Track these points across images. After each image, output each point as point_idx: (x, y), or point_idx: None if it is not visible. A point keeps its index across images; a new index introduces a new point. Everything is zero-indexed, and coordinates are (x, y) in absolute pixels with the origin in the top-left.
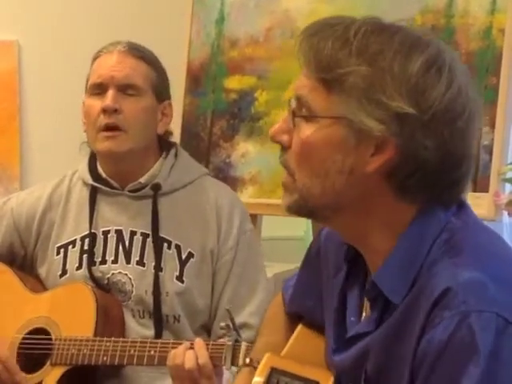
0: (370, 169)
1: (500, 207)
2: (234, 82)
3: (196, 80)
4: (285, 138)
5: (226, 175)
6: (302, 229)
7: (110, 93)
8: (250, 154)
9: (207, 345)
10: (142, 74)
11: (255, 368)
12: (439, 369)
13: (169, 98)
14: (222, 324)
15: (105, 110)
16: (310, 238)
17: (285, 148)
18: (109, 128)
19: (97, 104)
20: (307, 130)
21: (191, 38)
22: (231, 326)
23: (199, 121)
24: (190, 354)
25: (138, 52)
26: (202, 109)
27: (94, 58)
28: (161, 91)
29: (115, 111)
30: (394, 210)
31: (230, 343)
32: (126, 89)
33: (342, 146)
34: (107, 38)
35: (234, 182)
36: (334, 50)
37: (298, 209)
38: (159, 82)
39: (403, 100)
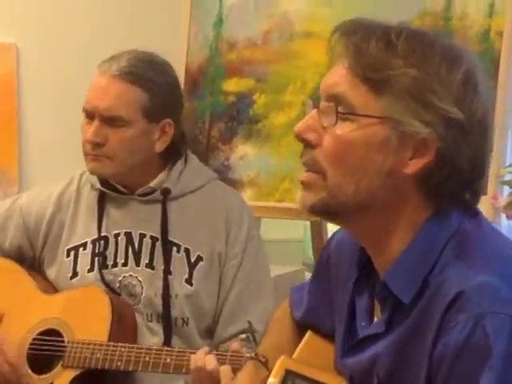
0: (407, 171)
1: (498, 210)
2: (232, 85)
3: (194, 83)
4: (313, 135)
5: (224, 178)
6: (300, 231)
7: (94, 125)
8: (248, 157)
9: (225, 355)
10: (129, 103)
11: (260, 362)
12: (457, 372)
13: (170, 115)
14: (243, 336)
15: (88, 142)
16: (309, 241)
17: (311, 146)
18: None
19: (86, 130)
20: (347, 128)
21: (189, 41)
22: (251, 338)
23: (197, 124)
24: (211, 357)
25: (129, 76)
26: (200, 111)
27: (97, 69)
28: (156, 113)
29: (97, 144)
30: (416, 211)
31: (249, 355)
32: (111, 120)
33: (384, 147)
34: (105, 41)
35: (232, 185)
36: (380, 51)
37: (323, 208)
38: (154, 104)
39: (451, 105)
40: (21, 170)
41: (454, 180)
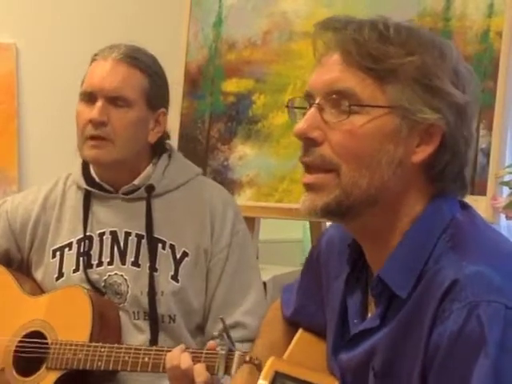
0: (415, 159)
1: (497, 210)
2: (231, 85)
3: (194, 83)
4: (317, 132)
5: (223, 178)
6: (299, 231)
7: (98, 104)
8: (247, 157)
9: (201, 353)
10: (133, 85)
11: (255, 365)
12: (452, 361)
13: (164, 105)
14: (215, 333)
15: (92, 122)
16: (308, 241)
17: (316, 144)
18: (95, 138)
19: (86, 112)
20: (357, 121)
21: (189, 41)
22: (225, 335)
23: (197, 124)
24: (185, 355)
25: (133, 60)
26: (199, 112)
27: (91, 61)
28: (155, 100)
29: (102, 123)
30: (415, 202)
31: (224, 352)
32: (114, 100)
33: (395, 136)
34: (104, 40)
35: (231, 185)
36: (377, 42)
37: (337, 207)
38: (153, 91)
39: (453, 89)
40: (20, 169)
41: (452, 165)
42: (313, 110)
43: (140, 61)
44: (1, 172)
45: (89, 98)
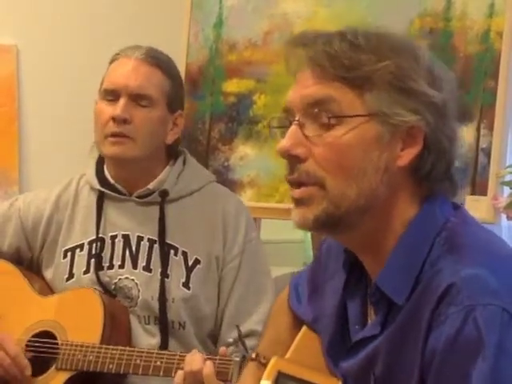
0: (400, 163)
1: (498, 210)
2: (232, 86)
3: (194, 83)
4: (301, 149)
5: (224, 179)
6: (300, 232)
7: (122, 102)
8: (248, 158)
9: (215, 359)
10: (156, 85)
11: (261, 363)
12: (449, 365)
13: (182, 107)
14: (230, 340)
15: (114, 119)
16: (309, 241)
17: (301, 161)
18: (117, 135)
19: (107, 110)
20: (338, 133)
21: (189, 42)
22: (239, 342)
23: (197, 124)
24: (198, 357)
25: (155, 60)
26: (200, 112)
27: (111, 61)
28: (174, 101)
29: (125, 121)
30: (406, 206)
31: (238, 359)
32: (138, 99)
33: (377, 143)
34: (105, 42)
35: (232, 186)
36: (349, 51)
37: (328, 218)
38: (173, 92)
39: (428, 90)
40: (21, 171)
41: (439, 165)
42: (294, 127)
43: (162, 62)
44: (2, 173)
45: (111, 95)
